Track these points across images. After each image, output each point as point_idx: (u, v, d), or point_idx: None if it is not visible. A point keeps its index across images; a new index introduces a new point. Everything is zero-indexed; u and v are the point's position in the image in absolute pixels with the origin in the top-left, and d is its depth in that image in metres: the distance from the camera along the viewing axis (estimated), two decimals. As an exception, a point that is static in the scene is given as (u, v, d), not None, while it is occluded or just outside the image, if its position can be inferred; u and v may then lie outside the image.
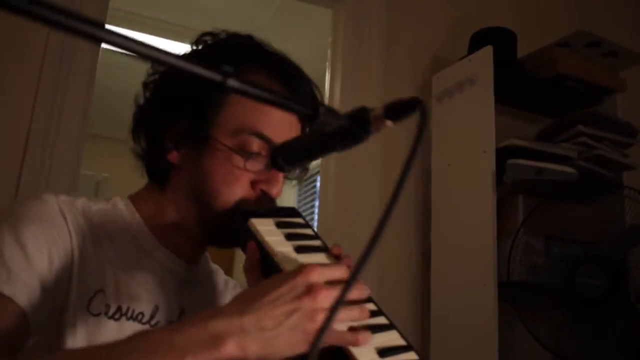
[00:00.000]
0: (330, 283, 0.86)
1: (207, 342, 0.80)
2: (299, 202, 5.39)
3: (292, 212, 1.12)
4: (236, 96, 1.09)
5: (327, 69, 2.83)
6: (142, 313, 1.09)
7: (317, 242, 1.06)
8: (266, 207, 1.10)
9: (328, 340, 0.85)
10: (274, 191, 1.12)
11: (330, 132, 0.77)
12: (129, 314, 1.07)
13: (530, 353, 2.39)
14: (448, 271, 2.43)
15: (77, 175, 2.21)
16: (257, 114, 1.11)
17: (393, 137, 2.68)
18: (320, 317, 0.83)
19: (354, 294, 0.90)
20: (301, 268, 0.87)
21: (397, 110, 0.72)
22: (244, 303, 0.85)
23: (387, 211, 0.60)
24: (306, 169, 1.24)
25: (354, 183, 2.61)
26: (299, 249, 0.99)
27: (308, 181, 5.25)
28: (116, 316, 1.06)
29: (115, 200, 1.18)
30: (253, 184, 1.11)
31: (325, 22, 3.04)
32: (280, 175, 1.13)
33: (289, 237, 1.01)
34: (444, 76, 2.64)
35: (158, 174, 1.17)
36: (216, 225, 1.11)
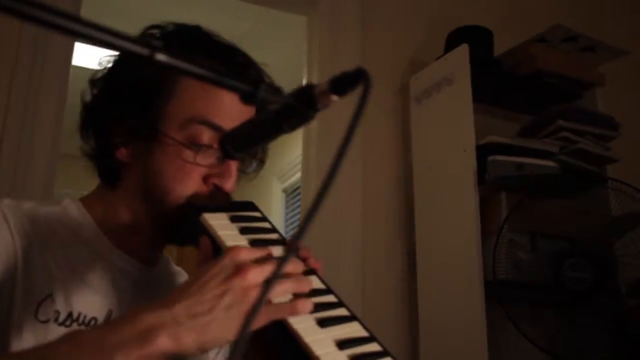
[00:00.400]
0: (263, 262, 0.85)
1: (138, 337, 0.77)
2: (286, 220, 5.36)
3: (248, 206, 1.08)
4: (184, 86, 1.07)
5: (304, 75, 2.80)
6: (94, 318, 1.05)
7: (274, 236, 1.03)
8: (220, 201, 1.07)
9: (265, 317, 0.82)
10: (227, 185, 1.09)
11: (275, 112, 0.74)
12: (81, 320, 1.03)
13: (521, 352, 2.36)
14: (434, 272, 2.39)
15: (52, 194, 2.17)
16: (205, 101, 1.07)
17: (375, 143, 2.66)
18: (253, 295, 0.80)
19: (289, 267, 0.88)
20: (227, 250, 0.85)
21: (341, 83, 0.69)
22: (176, 294, 0.82)
23: (328, 179, 0.56)
24: (262, 162, 1.21)
25: (335, 192, 2.57)
26: (254, 242, 0.96)
27: (294, 196, 5.21)
28: (67, 323, 1.01)
29: (65, 202, 1.13)
30: (205, 178, 1.08)
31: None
32: (234, 168, 1.10)
33: (244, 231, 0.98)
34: (421, 77, 2.62)
35: (108, 173, 1.13)
36: (169, 223, 1.08)
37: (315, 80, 2.72)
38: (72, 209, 1.13)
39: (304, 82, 2.79)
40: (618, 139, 2.56)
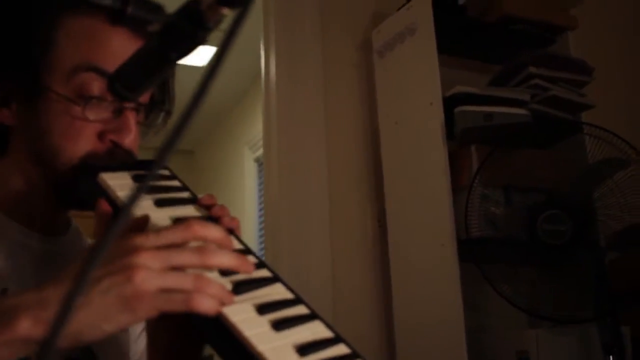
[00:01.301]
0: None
1: (2, 321, 0.63)
2: (259, 190, 5.23)
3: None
4: (66, 31, 0.93)
5: (261, 34, 2.66)
6: None
7: (184, 194, 0.90)
8: (120, 160, 0.93)
9: (149, 306, 0.66)
10: (126, 140, 0.95)
11: (159, 35, 0.60)
12: None
13: (499, 312, 2.26)
14: (405, 234, 2.28)
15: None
16: (91, 46, 0.93)
17: (338, 102, 2.54)
18: (140, 276, 0.65)
19: (180, 235, 0.71)
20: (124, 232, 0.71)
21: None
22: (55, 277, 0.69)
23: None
24: (168, 112, 1.07)
25: (298, 154, 2.46)
26: (160, 202, 0.83)
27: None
28: None
29: None
30: (101, 135, 0.94)
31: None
32: (132, 120, 0.97)
33: (149, 190, 0.85)
34: (383, 29, 2.48)
35: None
36: (64, 186, 0.94)
37: (273, 36, 2.58)
38: None
39: (261, 41, 2.66)
40: (592, 84, 2.43)
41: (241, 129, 5.69)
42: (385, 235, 2.37)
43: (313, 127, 2.49)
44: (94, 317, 0.64)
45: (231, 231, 0.83)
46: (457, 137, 2.18)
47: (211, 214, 0.85)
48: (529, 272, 2.18)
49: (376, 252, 2.45)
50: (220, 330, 0.69)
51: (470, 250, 2.06)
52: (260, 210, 5.12)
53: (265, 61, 2.63)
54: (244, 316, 0.70)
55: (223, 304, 0.69)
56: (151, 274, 0.65)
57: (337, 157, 2.50)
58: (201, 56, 4.82)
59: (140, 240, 0.68)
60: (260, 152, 5.13)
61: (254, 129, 5.17)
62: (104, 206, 0.81)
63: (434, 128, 2.15)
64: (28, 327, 0.63)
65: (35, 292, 0.66)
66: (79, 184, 0.89)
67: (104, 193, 0.82)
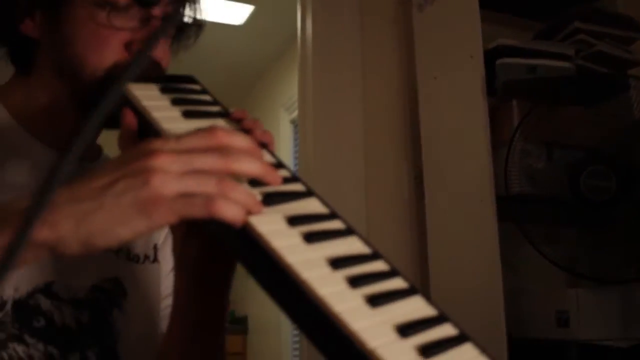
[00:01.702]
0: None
1: (6, 222, 0.59)
2: (295, 151, 5.19)
3: (186, 79, 0.90)
4: None
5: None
6: None
7: (214, 108, 0.85)
8: (148, 72, 0.89)
9: (169, 212, 0.61)
10: (155, 52, 0.91)
11: None
12: None
13: (538, 273, 2.21)
14: (442, 192, 2.23)
15: None
16: None
17: (376, 57, 2.49)
18: (158, 179, 0.60)
19: (219, 137, 0.65)
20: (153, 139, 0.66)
21: None
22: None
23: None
24: (199, 25, 1.03)
25: (334, 110, 2.41)
26: (188, 114, 0.78)
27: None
28: None
29: None
30: (127, 45, 0.90)
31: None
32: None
33: (177, 101, 0.80)
34: (423, -18, 2.41)
35: (18, 54, 0.96)
36: (89, 101, 0.89)
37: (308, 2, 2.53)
38: None
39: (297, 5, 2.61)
40: (640, 41, 2.35)
41: (277, 91, 5.65)
42: (421, 194, 2.32)
43: (349, 87, 2.44)
44: (107, 221, 0.60)
45: (264, 145, 0.78)
46: (498, 92, 2.11)
47: (242, 127, 0.81)
48: (569, 231, 2.12)
49: (412, 211, 2.41)
50: (246, 243, 0.64)
51: (510, 208, 2.01)
52: (296, 171, 5.08)
53: (302, 19, 2.58)
54: (272, 227, 0.65)
55: (250, 213, 0.64)
56: (169, 177, 0.61)
57: (374, 116, 2.45)
58: (237, 15, 4.77)
59: (159, 143, 0.64)
60: (296, 113, 5.08)
61: (290, 90, 5.13)
62: (129, 117, 0.76)
63: (474, 81, 2.08)
64: (35, 229, 0.59)
65: None
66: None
67: (130, 104, 0.78)
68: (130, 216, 0.60)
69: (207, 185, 0.62)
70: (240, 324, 6.52)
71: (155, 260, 1.05)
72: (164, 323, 0.99)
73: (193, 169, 0.62)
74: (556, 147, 2.08)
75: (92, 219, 0.60)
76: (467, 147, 2.10)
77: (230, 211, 0.62)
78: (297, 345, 5.07)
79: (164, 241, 1.07)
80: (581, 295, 2.01)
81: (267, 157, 0.76)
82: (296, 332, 5.15)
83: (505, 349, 1.96)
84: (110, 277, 0.97)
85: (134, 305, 0.99)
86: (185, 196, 0.61)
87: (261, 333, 6.15)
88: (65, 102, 0.93)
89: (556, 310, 2.04)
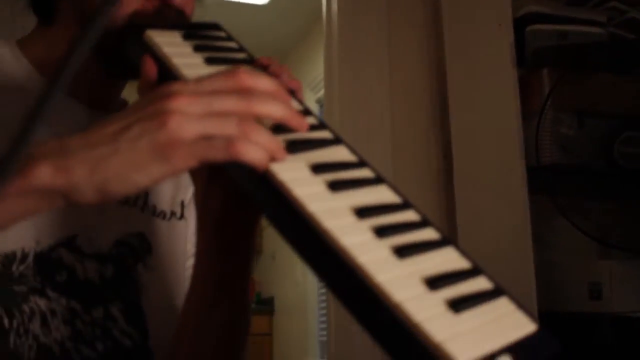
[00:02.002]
0: None
1: (19, 170, 0.57)
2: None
3: (211, 26, 0.87)
4: None
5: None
6: None
7: (239, 55, 0.82)
8: (171, 20, 0.86)
9: (187, 155, 0.58)
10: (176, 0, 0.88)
11: None
12: None
13: (568, 245, 2.16)
14: (471, 165, 2.19)
15: None
16: None
17: (402, 26, 2.45)
18: (175, 121, 0.57)
19: (245, 80, 0.61)
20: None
21: None
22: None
23: None
24: None
25: (359, 83, 2.38)
26: (211, 60, 0.75)
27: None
28: None
29: None
30: None
31: None
32: None
33: (199, 48, 0.77)
34: (450, -49, 2.37)
35: (40, 4, 0.94)
36: (111, 50, 0.86)
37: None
38: (4, 52, 0.93)
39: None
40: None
41: (302, 70, 5.62)
42: (450, 167, 2.28)
43: (375, 63, 2.41)
44: (123, 167, 0.57)
45: (291, 92, 0.74)
46: (527, 61, 2.07)
47: (269, 74, 0.76)
48: (602, 201, 2.08)
49: (441, 186, 2.37)
50: (268, 192, 0.61)
51: (541, 179, 1.97)
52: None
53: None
54: (295, 175, 0.61)
55: (273, 158, 0.61)
56: (188, 119, 0.57)
57: (401, 91, 2.42)
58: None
59: (178, 86, 0.60)
60: (321, 93, 5.05)
61: (315, 70, 5.10)
62: (149, 64, 0.73)
63: (503, 50, 2.04)
64: (48, 174, 0.57)
65: (57, 141, 0.60)
66: (125, 46, 0.82)
67: (151, 51, 0.75)
68: (147, 161, 0.57)
69: (227, 127, 0.59)
70: (267, 305, 6.54)
71: (182, 217, 1.03)
72: (189, 282, 0.97)
73: (213, 111, 0.59)
74: (588, 115, 2.03)
75: (107, 165, 0.57)
76: (497, 118, 2.06)
77: (251, 153, 0.59)
78: (323, 326, 5.07)
79: (192, 198, 1.04)
80: (614, 267, 1.97)
81: (294, 104, 0.73)
82: (323, 312, 5.15)
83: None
84: (135, 232, 0.95)
85: (159, 261, 0.96)
86: (205, 139, 0.58)
87: (288, 314, 6.16)
88: (90, 56, 0.90)
89: (588, 283, 2.01)
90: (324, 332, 4.96)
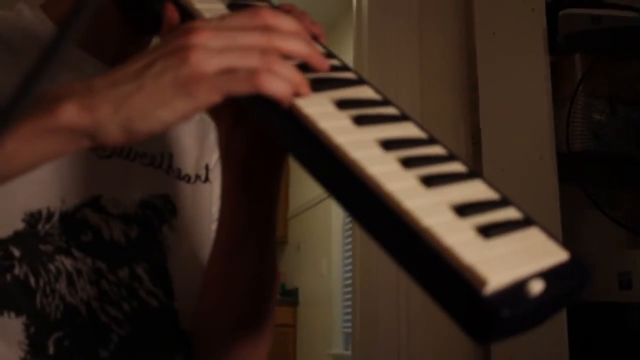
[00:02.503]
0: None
1: (42, 108, 0.56)
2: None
3: None
4: None
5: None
6: None
7: (262, 3, 0.80)
8: None
9: (211, 90, 0.57)
10: None
11: None
12: None
13: (597, 235, 2.13)
14: (501, 152, 2.17)
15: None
16: None
17: (433, 11, 2.44)
18: (197, 56, 0.56)
19: (268, 19, 0.61)
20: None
21: None
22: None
23: None
24: None
25: (389, 68, 2.37)
26: (233, 6, 0.74)
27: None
28: None
29: (19, 6, 0.93)
30: None
31: None
32: None
33: (235, 6, 0.76)
34: None
35: None
36: (133, 2, 0.86)
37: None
38: (27, 13, 0.93)
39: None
40: None
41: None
42: (479, 152, 2.26)
43: (406, 48, 2.41)
44: (147, 103, 0.56)
45: (313, 38, 0.72)
46: (560, 46, 2.04)
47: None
48: (633, 189, 2.05)
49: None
50: (292, 127, 0.60)
51: (571, 166, 1.94)
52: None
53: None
54: (321, 109, 0.60)
55: (297, 93, 0.59)
56: (210, 53, 0.57)
57: (431, 77, 2.41)
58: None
59: (200, 22, 0.60)
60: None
61: (344, 57, 5.08)
62: (171, 10, 0.71)
63: (535, 35, 2.02)
64: (73, 113, 0.56)
65: (82, 82, 0.59)
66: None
67: (174, 1, 0.74)
68: (171, 97, 0.56)
69: (251, 60, 0.58)
70: (291, 296, 6.54)
71: (207, 180, 1.02)
72: None
73: (235, 45, 0.58)
74: (620, 101, 2.00)
75: (131, 102, 0.56)
76: (527, 104, 2.04)
77: (275, 85, 0.58)
78: (347, 317, 5.06)
79: (217, 162, 1.03)
80: (645, 255, 1.94)
81: (318, 47, 0.71)
82: (347, 304, 5.14)
83: (564, 312, 1.90)
84: (159, 194, 0.94)
85: (184, 223, 0.96)
86: (228, 72, 0.57)
87: (312, 305, 6.15)
88: (110, 12, 0.90)
89: (618, 273, 1.98)
90: (348, 324, 4.94)
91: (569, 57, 2.05)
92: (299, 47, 0.61)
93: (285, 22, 0.62)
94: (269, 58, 0.58)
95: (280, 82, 0.58)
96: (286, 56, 0.61)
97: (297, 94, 0.60)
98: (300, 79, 0.60)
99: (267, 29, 0.60)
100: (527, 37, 2.06)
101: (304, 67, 0.63)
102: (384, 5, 2.45)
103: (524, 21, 2.07)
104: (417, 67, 2.40)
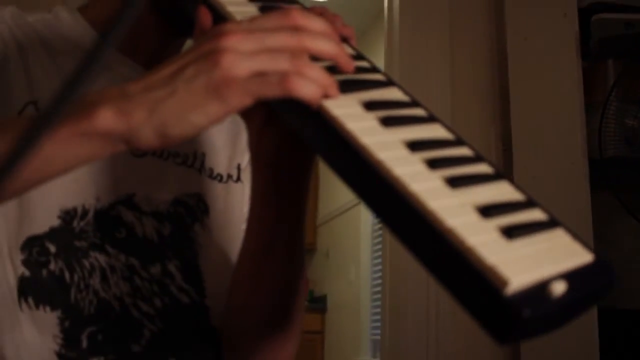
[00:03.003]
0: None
1: (79, 112, 0.57)
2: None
3: None
4: None
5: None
6: None
7: (296, 6, 0.81)
8: None
9: (242, 93, 0.57)
10: None
11: None
12: None
13: (628, 241, 2.11)
14: (532, 157, 2.15)
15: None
16: None
17: (464, 16, 2.43)
18: (228, 60, 0.57)
19: (299, 20, 0.61)
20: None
21: None
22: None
23: None
24: None
25: (419, 72, 2.37)
26: (265, 8, 0.74)
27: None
28: None
29: (57, 9, 0.95)
30: None
31: None
32: None
33: (266, 8, 0.76)
34: (514, -60, 2.33)
35: None
36: (168, 5, 0.87)
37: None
38: (65, 15, 0.94)
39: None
40: None
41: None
42: (510, 159, 2.25)
43: (437, 55, 2.41)
44: (179, 108, 0.57)
45: (344, 39, 0.73)
46: (592, 52, 2.03)
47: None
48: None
49: (499, 177, 2.33)
50: (321, 128, 0.60)
51: (603, 172, 1.93)
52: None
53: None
54: (348, 110, 0.61)
55: (326, 94, 0.60)
56: (240, 57, 0.57)
57: (461, 82, 2.40)
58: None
59: (230, 25, 0.60)
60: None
61: (374, 67, 5.08)
62: (204, 13, 0.71)
63: (567, 41, 2.01)
64: (108, 118, 0.57)
65: (118, 87, 0.60)
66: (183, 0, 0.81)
67: (206, 2, 0.74)
68: (204, 101, 0.57)
69: (281, 63, 0.58)
70: (319, 303, 6.54)
71: (239, 180, 1.03)
72: None
73: (265, 47, 0.59)
74: (654, 108, 1.99)
75: (165, 107, 0.57)
76: (559, 110, 2.03)
77: (305, 88, 0.58)
78: (376, 324, 5.05)
79: (249, 162, 1.05)
80: (677, 263, 1.92)
81: (347, 49, 0.72)
82: (375, 311, 5.13)
83: (596, 320, 1.89)
84: (192, 192, 0.95)
85: (215, 222, 0.97)
86: (259, 75, 0.58)
87: (340, 312, 6.15)
88: (145, 14, 0.91)
89: (650, 280, 1.96)
90: (376, 331, 4.94)
91: (601, 62, 2.04)
92: (328, 47, 0.62)
93: (315, 23, 0.62)
94: (298, 60, 0.59)
95: (309, 85, 0.59)
96: (315, 57, 0.62)
97: (326, 96, 0.60)
98: (329, 81, 0.60)
99: (296, 30, 0.60)
100: (558, 42, 2.05)
101: (332, 69, 0.64)
102: (414, 12, 2.45)
103: (556, 26, 2.07)
104: (447, 73, 2.40)
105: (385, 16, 2.61)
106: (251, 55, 0.58)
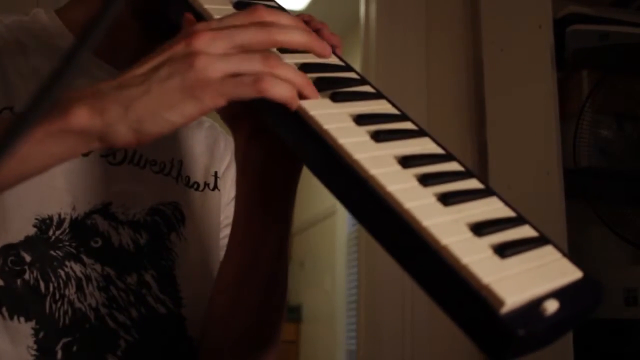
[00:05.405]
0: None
1: (56, 112, 0.57)
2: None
3: None
4: None
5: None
6: None
7: (269, 2, 0.81)
8: None
9: (214, 94, 0.58)
10: None
11: None
12: None
13: (603, 251, 2.13)
14: (507, 167, 2.17)
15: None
16: None
17: (440, 27, 2.44)
18: (202, 62, 0.58)
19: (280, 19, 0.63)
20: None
21: None
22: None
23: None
24: None
25: (396, 82, 2.38)
26: (239, 5, 0.74)
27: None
28: None
29: (35, 11, 0.94)
30: None
31: None
32: None
33: (240, 5, 0.76)
34: (490, -49, 2.35)
35: None
36: (151, 11, 0.87)
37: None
38: (42, 17, 0.93)
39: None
40: None
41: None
42: (485, 168, 2.26)
43: (412, 62, 2.43)
44: (155, 106, 0.58)
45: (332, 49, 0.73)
46: (567, 62, 2.04)
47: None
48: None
49: (475, 187, 2.34)
50: (300, 130, 0.61)
51: (578, 182, 1.94)
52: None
53: (365, 1, 2.56)
54: (324, 111, 0.61)
55: (302, 95, 0.61)
56: (213, 58, 0.58)
57: (438, 92, 2.42)
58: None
59: (200, 25, 0.62)
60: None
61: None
62: (190, 20, 0.72)
63: (542, 52, 2.02)
64: (84, 115, 0.57)
65: (92, 87, 0.60)
66: (165, 5, 0.81)
67: (191, 8, 0.74)
68: (179, 101, 0.58)
69: (253, 64, 0.59)
70: (294, 313, 6.52)
71: (216, 188, 1.02)
72: (222, 252, 0.96)
73: (235, 45, 0.60)
74: (627, 118, 2.00)
75: (140, 104, 0.58)
76: (534, 120, 2.04)
77: (278, 88, 0.59)
78: (351, 334, 5.04)
79: (226, 170, 1.04)
80: (651, 272, 1.94)
81: (335, 59, 0.72)
82: (351, 321, 5.12)
83: (570, 330, 1.89)
84: (168, 201, 0.95)
85: (192, 231, 0.96)
86: (233, 77, 0.59)
87: (315, 322, 6.14)
88: (125, 17, 0.90)
89: (624, 289, 1.97)
90: (352, 341, 4.93)
91: (576, 73, 2.05)
92: (299, 37, 0.63)
93: (282, 17, 0.63)
94: (269, 60, 0.60)
95: (282, 85, 0.59)
96: (288, 50, 0.63)
97: (303, 96, 0.61)
98: (302, 81, 0.61)
99: (264, 25, 0.61)
100: (534, 53, 2.06)
101: (308, 67, 0.64)
102: (391, 20, 2.46)
103: (532, 37, 2.08)
104: (424, 82, 2.41)
105: (361, 24, 2.61)
106: (225, 57, 0.59)
